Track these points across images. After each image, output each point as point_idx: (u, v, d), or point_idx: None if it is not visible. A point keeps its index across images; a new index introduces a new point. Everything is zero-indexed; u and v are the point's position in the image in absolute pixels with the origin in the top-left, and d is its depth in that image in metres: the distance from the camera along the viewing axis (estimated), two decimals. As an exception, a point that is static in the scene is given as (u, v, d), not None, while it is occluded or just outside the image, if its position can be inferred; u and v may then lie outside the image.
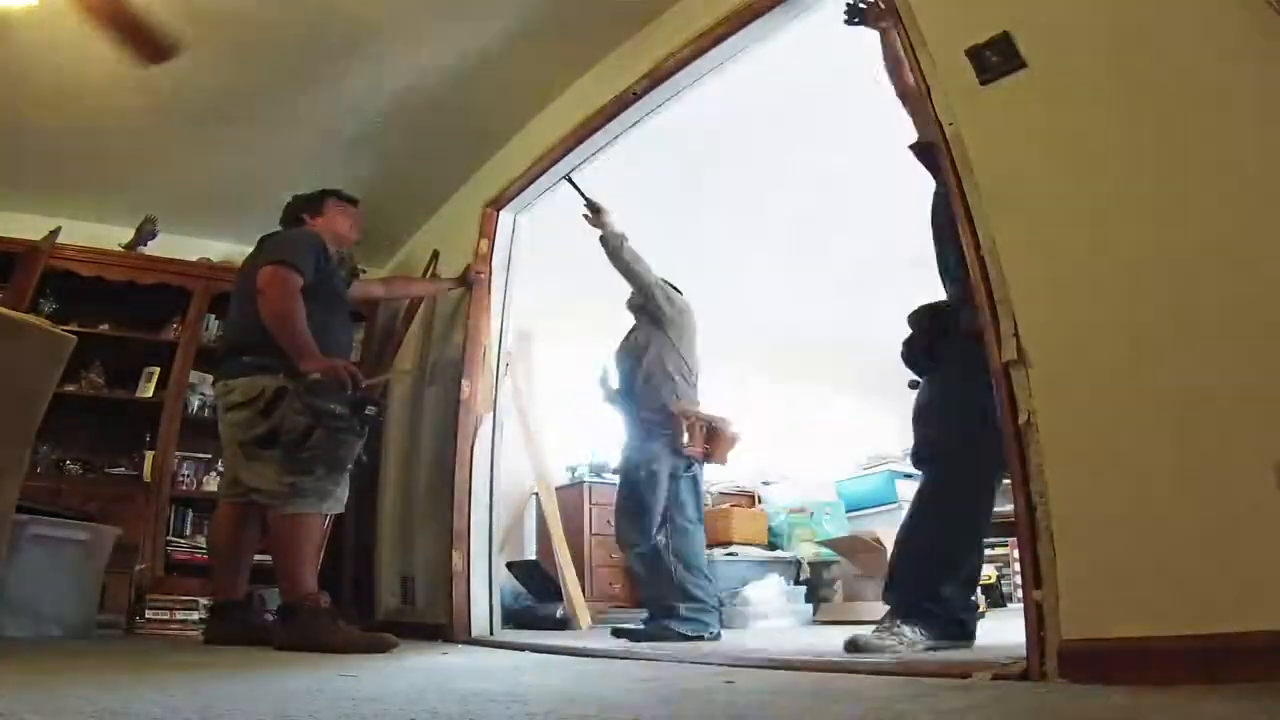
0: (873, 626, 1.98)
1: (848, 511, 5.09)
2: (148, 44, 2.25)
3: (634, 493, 3.00)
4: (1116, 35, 1.47)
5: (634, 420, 3.13)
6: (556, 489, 4.35)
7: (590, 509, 4.72)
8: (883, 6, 2.04)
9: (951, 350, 2.00)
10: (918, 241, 2.20)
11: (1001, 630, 2.29)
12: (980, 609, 2.47)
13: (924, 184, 2.14)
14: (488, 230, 3.46)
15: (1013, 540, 1.52)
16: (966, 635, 1.99)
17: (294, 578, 2.51)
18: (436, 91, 3.18)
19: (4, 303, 3.17)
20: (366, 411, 2.61)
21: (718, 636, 2.87)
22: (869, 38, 2.15)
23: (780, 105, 3.36)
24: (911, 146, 2.12)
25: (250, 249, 2.92)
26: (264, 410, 2.56)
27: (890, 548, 3.70)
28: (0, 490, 1.95)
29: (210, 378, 3.23)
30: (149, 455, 3.76)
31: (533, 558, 4.52)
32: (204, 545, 3.69)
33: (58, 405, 2.10)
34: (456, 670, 1.92)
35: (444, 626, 3.04)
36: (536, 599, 3.93)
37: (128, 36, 2.22)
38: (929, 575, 1.97)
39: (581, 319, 3.35)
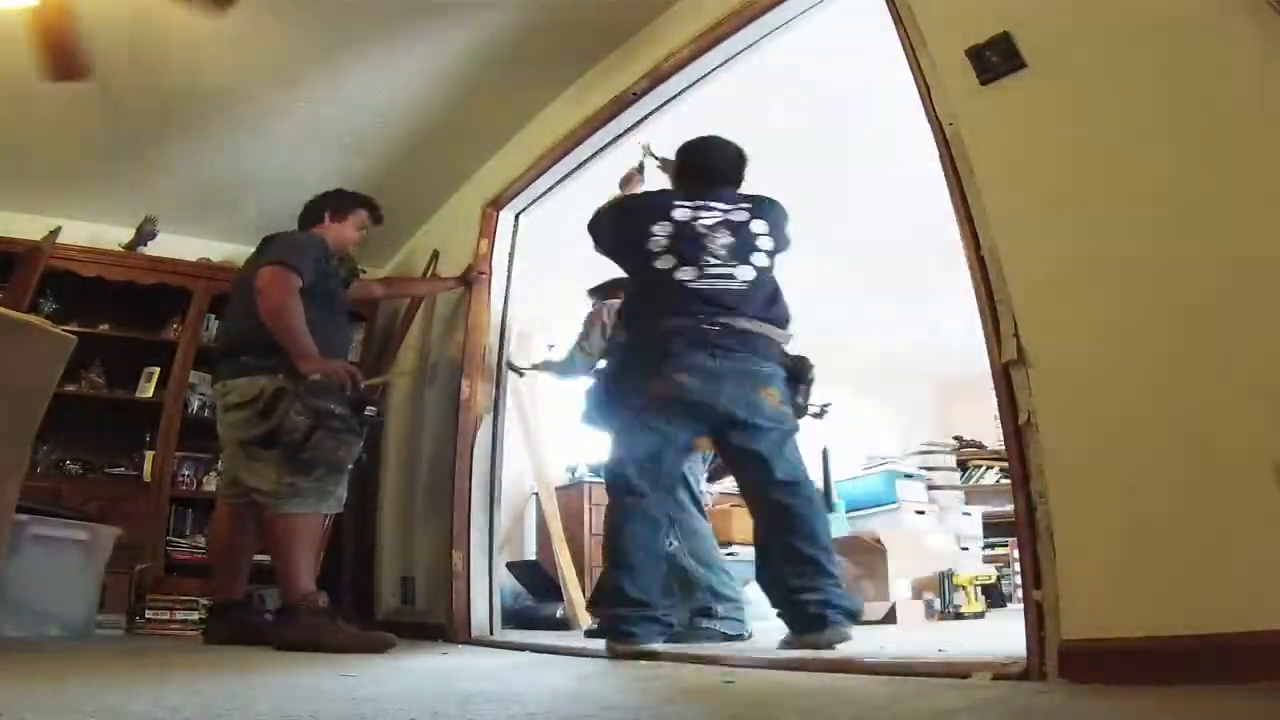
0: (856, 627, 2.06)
1: (848, 511, 5.07)
2: (65, 62, 2.30)
3: None
4: (1117, 35, 1.46)
5: None
6: (556, 489, 4.35)
7: (590, 509, 4.71)
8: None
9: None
10: (919, 243, 2.20)
11: (1002, 630, 2.29)
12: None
13: (922, 185, 2.13)
14: (488, 230, 3.46)
15: (1013, 540, 1.52)
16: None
17: (292, 578, 2.51)
18: (436, 91, 3.18)
19: (4, 303, 3.16)
20: (366, 412, 2.62)
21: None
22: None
23: (789, 97, 3.34)
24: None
25: (250, 249, 2.93)
26: (263, 411, 2.56)
27: (889, 548, 3.74)
28: (0, 490, 1.95)
29: (210, 378, 3.24)
30: (149, 455, 3.77)
31: (533, 558, 4.52)
32: (204, 545, 3.69)
33: (58, 405, 2.09)
34: (456, 670, 1.92)
35: (444, 627, 3.04)
36: (536, 599, 3.93)
37: (53, 52, 2.26)
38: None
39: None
